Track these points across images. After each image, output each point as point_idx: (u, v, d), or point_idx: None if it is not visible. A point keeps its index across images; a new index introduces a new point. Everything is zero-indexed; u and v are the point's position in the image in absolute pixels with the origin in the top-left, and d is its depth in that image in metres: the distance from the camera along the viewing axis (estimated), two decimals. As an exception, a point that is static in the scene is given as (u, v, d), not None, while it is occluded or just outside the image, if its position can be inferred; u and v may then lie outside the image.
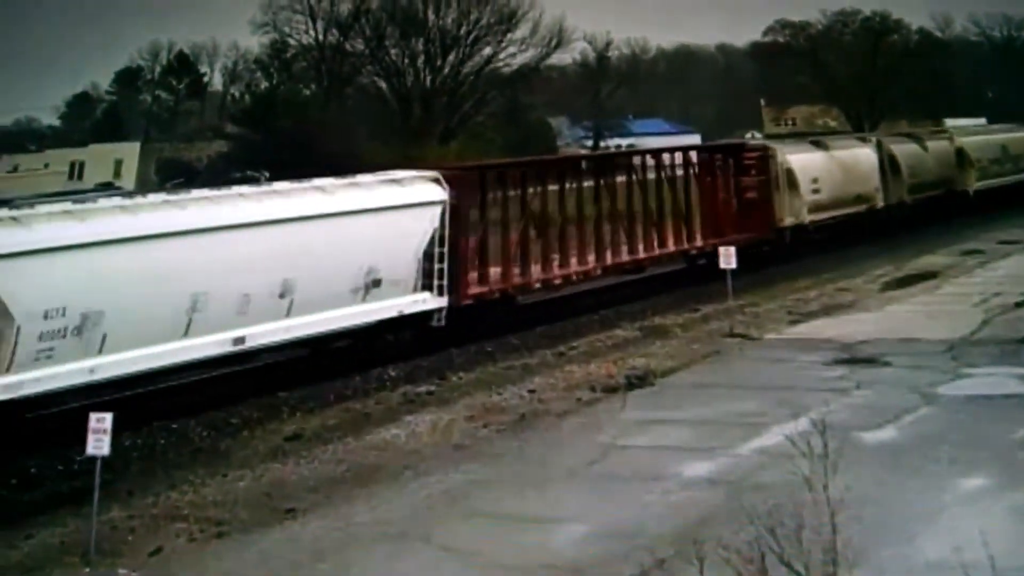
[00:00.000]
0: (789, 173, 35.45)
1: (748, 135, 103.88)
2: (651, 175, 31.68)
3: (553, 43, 73.57)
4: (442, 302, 23.05)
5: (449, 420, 18.85)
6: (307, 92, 74.30)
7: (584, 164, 34.06)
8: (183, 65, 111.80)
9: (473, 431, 18.12)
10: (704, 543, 9.43)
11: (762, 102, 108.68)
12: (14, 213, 17.17)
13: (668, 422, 17.81)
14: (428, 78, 70.82)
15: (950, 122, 70.07)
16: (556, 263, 27.85)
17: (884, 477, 13.81)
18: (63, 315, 16.29)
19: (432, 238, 22.86)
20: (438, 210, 23.04)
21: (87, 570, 12.96)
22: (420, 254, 22.62)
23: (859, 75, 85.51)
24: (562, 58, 79.08)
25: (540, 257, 27.36)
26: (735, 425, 17.01)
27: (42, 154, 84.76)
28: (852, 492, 10.82)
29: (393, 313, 22.17)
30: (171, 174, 64.13)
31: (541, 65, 74.26)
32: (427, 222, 22.83)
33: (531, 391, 20.65)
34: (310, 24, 73.68)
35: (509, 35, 71.44)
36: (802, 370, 20.86)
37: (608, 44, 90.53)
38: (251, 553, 13.06)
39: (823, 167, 37.59)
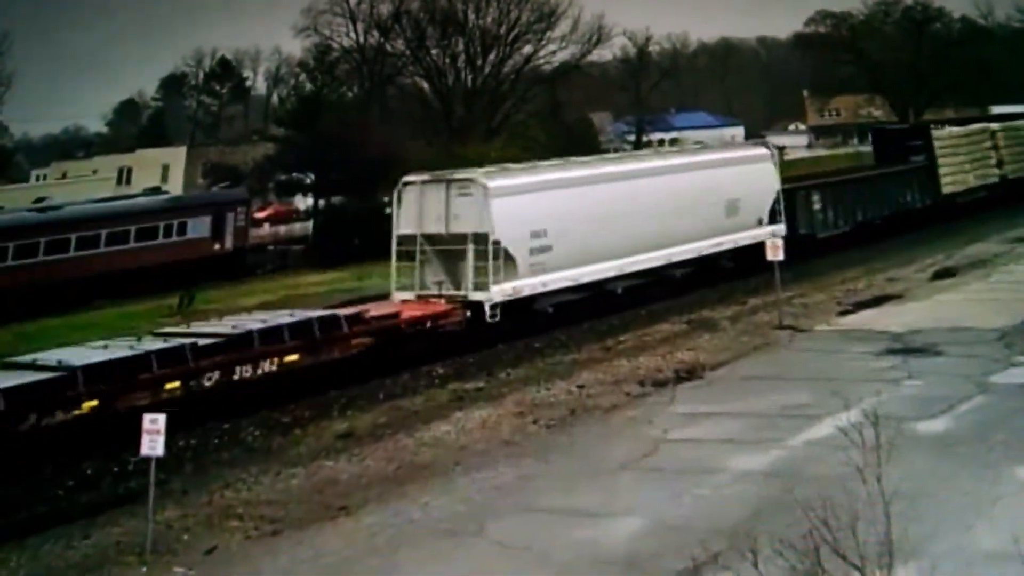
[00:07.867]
0: None
1: (792, 126, 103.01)
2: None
3: (593, 40, 73.26)
4: None
5: (498, 416, 18.90)
6: (350, 94, 74.56)
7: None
8: (226, 70, 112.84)
9: (523, 426, 18.16)
10: (758, 536, 9.39)
11: (805, 93, 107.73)
12: None
13: (718, 415, 17.74)
14: (469, 77, 70.86)
15: (996, 109, 69.08)
16: None
17: (938, 467, 13.68)
18: None
19: None
20: None
21: (144, 569, 13.11)
22: None
23: (903, 64, 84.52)
24: (602, 54, 78.87)
25: None
26: (786, 417, 16.90)
27: (90, 160, 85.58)
28: (906, 483, 10.74)
29: None
30: (218, 178, 64.63)
31: (581, 62, 74.05)
32: None
33: (579, 386, 20.65)
34: (351, 26, 73.97)
35: (549, 33, 71.22)
36: (853, 361, 20.69)
37: (648, 39, 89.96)
38: (305, 550, 13.15)
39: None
